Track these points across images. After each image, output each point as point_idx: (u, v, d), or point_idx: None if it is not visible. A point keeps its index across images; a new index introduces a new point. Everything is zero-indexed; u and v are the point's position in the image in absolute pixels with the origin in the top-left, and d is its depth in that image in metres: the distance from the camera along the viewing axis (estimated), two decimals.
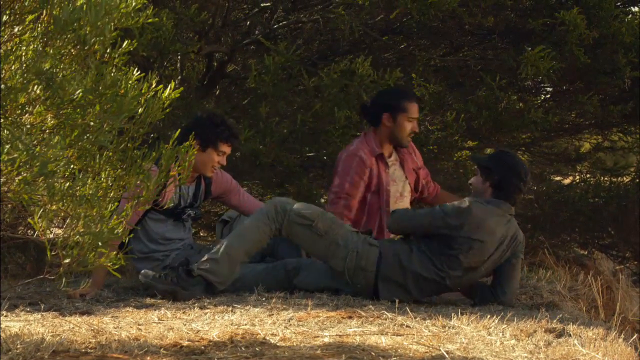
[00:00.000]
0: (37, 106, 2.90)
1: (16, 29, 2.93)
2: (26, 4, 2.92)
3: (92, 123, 2.97)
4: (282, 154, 6.47)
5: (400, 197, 5.73)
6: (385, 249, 5.03)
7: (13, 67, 2.84)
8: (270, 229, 5.00)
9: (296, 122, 6.33)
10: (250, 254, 5.02)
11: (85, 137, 2.98)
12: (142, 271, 4.93)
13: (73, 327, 3.72)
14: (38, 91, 2.87)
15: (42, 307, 4.40)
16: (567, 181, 8.81)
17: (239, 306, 4.44)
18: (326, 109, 6.22)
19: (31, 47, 2.90)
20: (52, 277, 3.10)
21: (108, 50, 3.09)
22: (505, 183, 5.08)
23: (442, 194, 6.04)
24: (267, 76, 6.12)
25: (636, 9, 7.18)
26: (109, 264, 3.04)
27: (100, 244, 2.94)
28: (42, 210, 2.86)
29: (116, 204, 3.09)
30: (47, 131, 2.93)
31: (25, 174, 2.76)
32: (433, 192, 5.99)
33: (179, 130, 3.49)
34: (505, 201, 5.04)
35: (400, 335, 3.77)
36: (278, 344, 3.48)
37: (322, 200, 7.10)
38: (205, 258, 4.92)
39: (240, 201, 5.58)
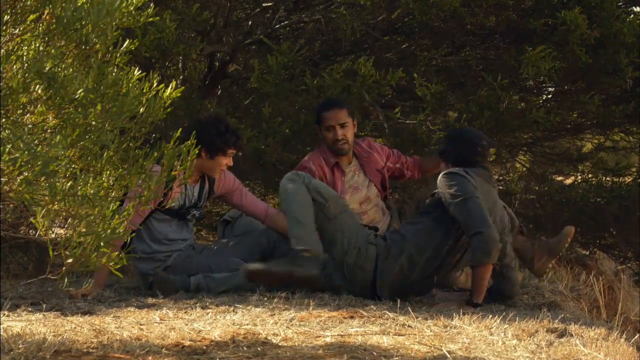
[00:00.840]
0: (39, 106, 2.90)
1: (17, 29, 2.93)
2: (28, 3, 2.92)
3: (93, 123, 2.97)
4: (284, 154, 6.47)
5: (367, 200, 5.78)
6: (380, 247, 5.01)
7: (14, 67, 2.84)
8: (304, 187, 5.01)
9: (300, 123, 6.33)
10: (313, 217, 5.01)
11: (86, 136, 2.98)
12: (248, 265, 4.96)
13: (75, 327, 3.72)
14: (39, 91, 2.87)
15: (44, 307, 4.40)
16: (568, 181, 8.80)
17: (240, 306, 4.44)
18: None
19: (32, 46, 2.90)
20: (55, 278, 3.10)
21: (110, 50, 3.10)
22: (463, 152, 5.08)
23: (423, 162, 6.06)
24: (269, 76, 6.12)
25: (638, 9, 7.17)
26: (111, 264, 3.04)
27: (102, 244, 2.94)
28: (44, 209, 2.86)
29: (117, 203, 3.09)
30: (49, 131, 2.93)
31: (26, 174, 2.76)
32: (414, 167, 6.00)
33: (180, 130, 3.49)
34: (475, 167, 5.03)
35: (402, 335, 3.77)
36: (280, 344, 3.48)
37: None
38: (292, 239, 4.96)
39: (242, 200, 5.59)
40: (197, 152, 3.26)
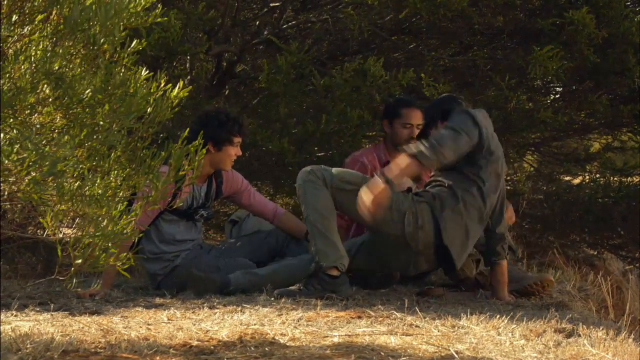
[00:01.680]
0: (47, 106, 2.90)
1: (26, 29, 2.94)
2: (36, 4, 2.92)
3: (101, 123, 2.97)
4: (296, 154, 6.47)
5: None
6: (430, 201, 4.95)
7: (22, 67, 2.85)
8: (325, 187, 4.85)
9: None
10: (336, 225, 4.88)
11: (94, 136, 2.99)
12: (276, 291, 4.82)
13: (82, 327, 3.72)
14: (47, 91, 2.87)
15: (52, 307, 4.40)
16: (576, 181, 8.79)
17: (248, 306, 4.44)
18: (338, 109, 6.23)
19: (40, 47, 2.90)
20: (63, 278, 3.10)
21: (117, 50, 3.10)
22: (446, 104, 5.11)
23: None
24: (278, 76, 6.13)
25: None
26: (118, 265, 3.05)
27: (110, 244, 2.94)
28: (52, 210, 2.87)
29: (125, 203, 3.09)
30: (57, 131, 2.94)
31: (34, 174, 2.76)
32: None
33: (188, 130, 3.49)
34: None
35: (409, 335, 3.77)
36: (287, 344, 3.48)
37: None
38: (313, 251, 4.86)
39: (250, 201, 5.58)
40: (204, 152, 3.26)
